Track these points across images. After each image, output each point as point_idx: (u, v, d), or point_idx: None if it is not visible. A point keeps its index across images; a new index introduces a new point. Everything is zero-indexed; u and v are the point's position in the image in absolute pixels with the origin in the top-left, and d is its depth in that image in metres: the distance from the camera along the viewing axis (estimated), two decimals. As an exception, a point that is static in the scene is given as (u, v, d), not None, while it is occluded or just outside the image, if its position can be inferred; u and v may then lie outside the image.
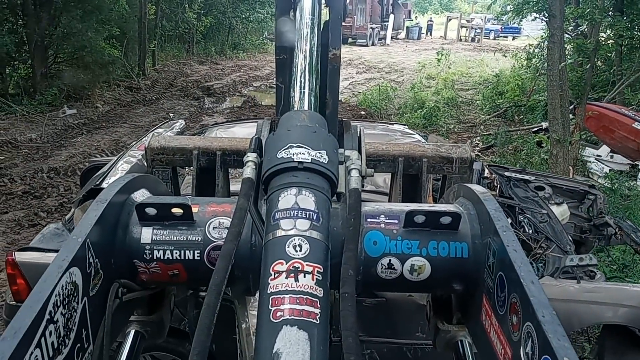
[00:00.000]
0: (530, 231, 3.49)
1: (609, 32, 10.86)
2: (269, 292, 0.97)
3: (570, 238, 3.59)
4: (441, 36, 44.72)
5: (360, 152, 1.38)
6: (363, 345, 2.97)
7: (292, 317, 0.93)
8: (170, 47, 22.93)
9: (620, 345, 3.04)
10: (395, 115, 13.84)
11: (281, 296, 0.95)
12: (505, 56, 20.26)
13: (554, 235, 3.44)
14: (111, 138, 11.15)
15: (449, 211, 1.23)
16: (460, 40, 41.02)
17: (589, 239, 3.87)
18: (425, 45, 36.21)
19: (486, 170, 3.93)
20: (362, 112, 13.78)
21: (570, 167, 7.52)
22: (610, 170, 8.71)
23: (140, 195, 1.31)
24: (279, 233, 1.06)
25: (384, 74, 22.33)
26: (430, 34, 46.58)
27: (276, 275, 0.99)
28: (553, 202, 3.86)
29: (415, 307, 2.85)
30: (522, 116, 13.63)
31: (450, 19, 45.71)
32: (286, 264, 1.00)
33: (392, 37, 39.37)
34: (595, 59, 11.04)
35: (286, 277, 0.98)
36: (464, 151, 2.06)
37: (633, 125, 8.51)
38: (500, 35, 44.36)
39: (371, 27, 35.60)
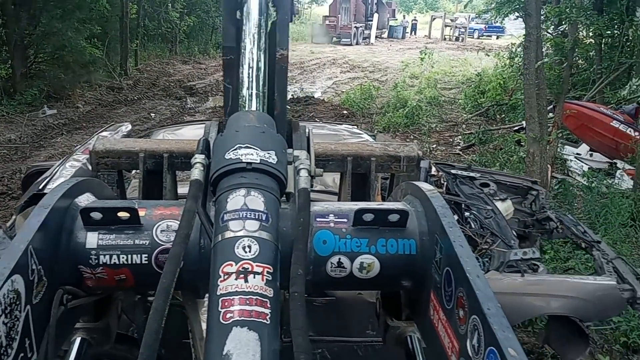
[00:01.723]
0: (476, 227, 3.52)
1: (589, 30, 10.97)
2: (218, 294, 0.97)
3: (515, 233, 3.65)
4: (425, 35, 44.90)
5: (309, 152, 1.38)
6: (314, 344, 2.96)
7: (242, 318, 0.92)
8: (153, 46, 22.72)
9: (565, 334, 3.09)
10: (377, 115, 13.84)
11: (231, 297, 0.95)
12: (488, 55, 20.33)
13: (499, 231, 3.48)
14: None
15: (397, 209, 1.24)
16: (445, 39, 41.21)
17: (532, 233, 3.93)
18: (410, 45, 36.30)
19: (433, 168, 3.98)
20: (345, 112, 13.78)
21: (549, 166, 7.56)
22: (589, 168, 8.79)
23: (85, 200, 1.28)
24: (228, 234, 1.05)
25: (368, 73, 22.35)
26: (415, 34, 46.73)
27: (226, 276, 0.98)
28: (498, 198, 3.90)
29: (365, 305, 2.85)
30: (503, 115, 13.69)
31: (434, 18, 45.91)
32: (236, 265, 1.00)
33: (376, 37, 39.48)
34: (575, 58, 11.13)
35: (236, 279, 0.98)
36: (411, 150, 2.09)
37: (611, 123, 8.59)
38: (484, 34, 44.55)
39: (355, 27, 35.66)
